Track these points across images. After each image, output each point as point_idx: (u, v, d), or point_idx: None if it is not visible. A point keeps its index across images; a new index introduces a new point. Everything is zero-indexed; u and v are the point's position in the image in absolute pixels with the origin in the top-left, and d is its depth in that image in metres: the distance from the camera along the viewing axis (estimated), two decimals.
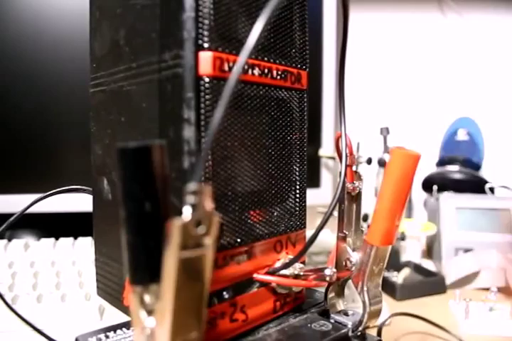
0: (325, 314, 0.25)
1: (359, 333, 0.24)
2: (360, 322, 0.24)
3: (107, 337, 0.22)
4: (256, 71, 0.22)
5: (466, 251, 0.55)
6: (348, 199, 0.26)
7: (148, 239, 0.15)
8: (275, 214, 0.25)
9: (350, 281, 0.25)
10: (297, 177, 0.26)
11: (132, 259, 0.16)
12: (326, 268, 0.23)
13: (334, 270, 0.23)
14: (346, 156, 0.25)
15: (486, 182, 0.66)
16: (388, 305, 0.45)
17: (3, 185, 0.53)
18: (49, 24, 0.52)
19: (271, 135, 0.24)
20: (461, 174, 0.68)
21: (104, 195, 0.27)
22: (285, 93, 0.24)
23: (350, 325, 0.24)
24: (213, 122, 0.16)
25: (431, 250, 0.62)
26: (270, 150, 0.24)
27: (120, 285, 0.26)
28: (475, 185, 0.66)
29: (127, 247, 0.16)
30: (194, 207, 0.15)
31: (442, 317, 0.41)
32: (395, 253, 0.56)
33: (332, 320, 0.25)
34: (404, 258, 0.57)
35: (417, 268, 0.54)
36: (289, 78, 0.24)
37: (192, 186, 0.15)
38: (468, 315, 0.41)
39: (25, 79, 0.52)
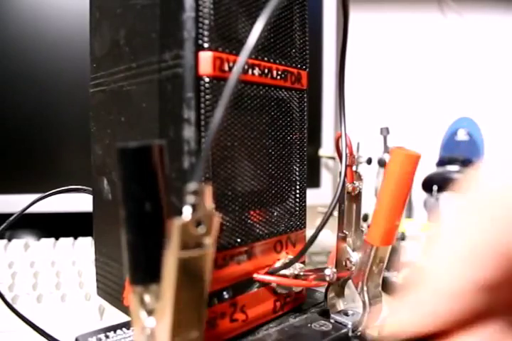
0: (325, 314, 0.25)
1: (359, 333, 0.24)
2: (360, 322, 0.24)
3: (107, 337, 0.22)
4: (256, 71, 0.22)
5: None
6: (348, 199, 0.26)
7: (148, 239, 0.15)
8: (275, 214, 0.25)
9: (350, 281, 0.25)
10: (297, 177, 0.26)
11: (132, 259, 0.16)
12: (326, 268, 0.23)
13: (334, 270, 0.23)
14: (346, 156, 0.25)
15: None
16: (388, 305, 0.44)
17: (3, 185, 0.53)
18: (49, 24, 0.52)
19: (271, 135, 0.24)
20: (461, 174, 0.68)
21: (104, 195, 0.27)
22: (285, 93, 0.24)
23: (350, 325, 0.24)
24: (213, 122, 0.16)
25: None
26: (270, 150, 0.24)
27: (120, 285, 0.26)
28: None
29: (127, 247, 0.16)
30: (194, 207, 0.15)
31: None
32: (395, 253, 0.56)
33: (332, 320, 0.25)
34: (404, 258, 0.57)
35: None
36: (289, 78, 0.24)
37: (192, 186, 0.15)
38: None
39: (25, 79, 0.52)
